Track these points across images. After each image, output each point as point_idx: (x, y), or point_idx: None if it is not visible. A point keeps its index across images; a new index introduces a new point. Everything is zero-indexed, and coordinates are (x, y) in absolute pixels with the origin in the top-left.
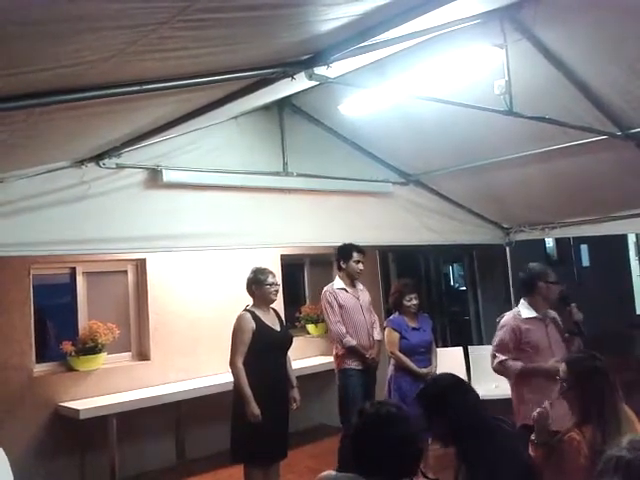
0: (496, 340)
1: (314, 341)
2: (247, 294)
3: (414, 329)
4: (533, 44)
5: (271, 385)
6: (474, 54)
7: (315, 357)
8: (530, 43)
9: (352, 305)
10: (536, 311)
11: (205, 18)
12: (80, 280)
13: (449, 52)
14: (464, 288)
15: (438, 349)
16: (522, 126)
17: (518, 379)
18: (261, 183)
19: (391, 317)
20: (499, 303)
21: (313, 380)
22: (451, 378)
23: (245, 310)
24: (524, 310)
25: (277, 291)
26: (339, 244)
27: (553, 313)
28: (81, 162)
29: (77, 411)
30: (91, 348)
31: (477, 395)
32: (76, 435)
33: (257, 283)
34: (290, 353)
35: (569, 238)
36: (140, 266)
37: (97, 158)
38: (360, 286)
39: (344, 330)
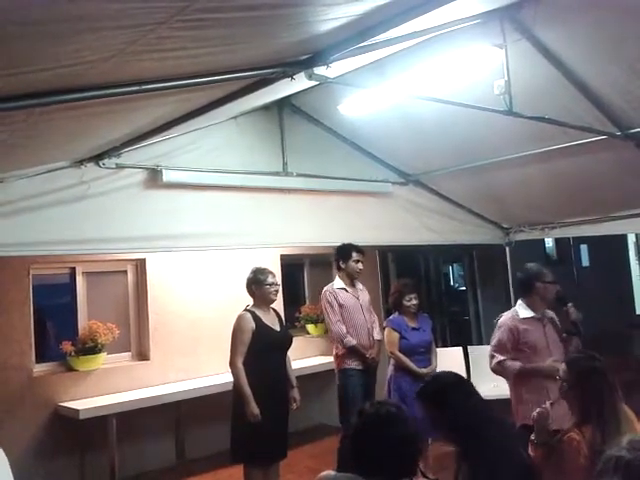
0: (494, 340)
1: (314, 341)
2: (247, 294)
3: (414, 329)
4: (533, 44)
5: (271, 385)
6: (474, 54)
7: (315, 357)
8: (530, 43)
9: (352, 305)
10: (534, 311)
11: (204, 18)
12: (80, 280)
13: (449, 52)
14: (464, 288)
15: (438, 349)
16: (522, 126)
17: (517, 379)
18: (261, 183)
19: (391, 317)
20: (499, 303)
21: (313, 380)
22: (452, 376)
23: (245, 310)
24: (522, 310)
25: (277, 291)
26: (339, 244)
27: (551, 313)
28: (81, 162)
29: (77, 411)
30: (91, 348)
31: (478, 394)
32: (76, 435)
33: (257, 283)
34: (290, 353)
35: (569, 238)
36: (140, 266)
37: (97, 158)
38: (360, 286)
39: (344, 330)
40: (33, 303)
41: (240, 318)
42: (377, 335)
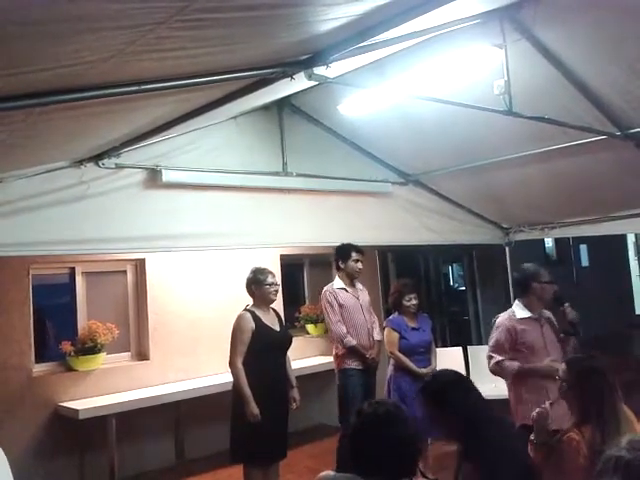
0: (492, 341)
1: (313, 341)
2: (247, 294)
3: (414, 329)
4: (533, 44)
5: (270, 385)
6: (473, 54)
7: (315, 357)
8: (530, 43)
9: (352, 305)
10: (531, 311)
11: (203, 18)
12: (79, 280)
13: (448, 52)
14: (463, 288)
15: (437, 349)
16: (522, 126)
17: (515, 379)
18: (260, 183)
19: (391, 317)
20: (499, 303)
21: (313, 380)
22: (452, 374)
23: (245, 310)
24: (519, 311)
25: (277, 291)
26: (338, 244)
27: (548, 313)
28: (80, 162)
29: (76, 411)
30: (90, 348)
31: (479, 393)
32: (75, 435)
33: (257, 283)
34: (289, 353)
35: (568, 238)
36: (139, 266)
37: (96, 158)
38: (360, 286)
39: (345, 330)
40: (33, 303)
41: (240, 318)
42: (377, 335)
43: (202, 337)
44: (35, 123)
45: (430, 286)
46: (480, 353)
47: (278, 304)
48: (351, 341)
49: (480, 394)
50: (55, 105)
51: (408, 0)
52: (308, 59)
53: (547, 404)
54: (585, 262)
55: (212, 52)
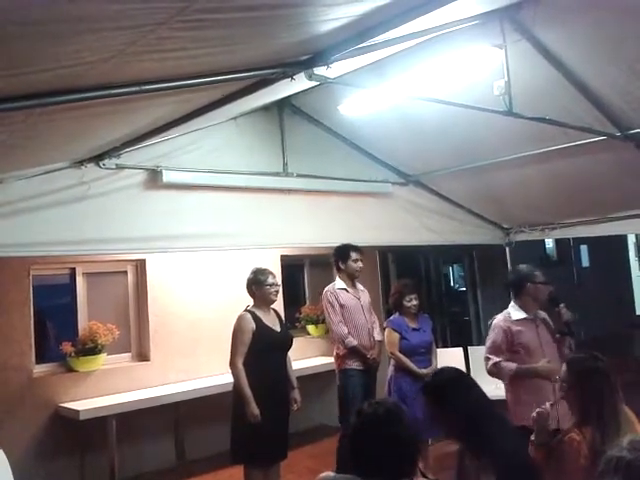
0: (488, 342)
1: (314, 341)
2: (247, 295)
3: (414, 330)
4: (533, 45)
5: (271, 386)
6: (473, 55)
7: (315, 357)
8: (530, 44)
9: (353, 305)
10: (526, 312)
11: (203, 19)
12: (80, 281)
13: (448, 53)
14: (464, 289)
15: (438, 350)
16: (522, 127)
17: (513, 380)
18: (261, 184)
19: (391, 317)
20: (499, 304)
21: (313, 381)
22: (453, 372)
23: (245, 310)
24: (514, 312)
25: (277, 291)
26: (338, 244)
27: (543, 314)
28: (80, 163)
29: (77, 412)
30: (91, 349)
31: (480, 390)
32: (76, 436)
33: (257, 284)
34: (290, 354)
35: (569, 239)
36: (140, 267)
37: (97, 159)
38: (360, 287)
39: (346, 330)
40: (33, 304)
41: (240, 318)
42: (378, 336)
43: (202, 338)
44: (35, 124)
45: (431, 286)
46: (481, 354)
47: (279, 305)
48: (352, 341)
49: (482, 391)
50: (55, 106)
51: (408, 1)
52: (308, 59)
53: (547, 404)
54: (586, 263)
55: (213, 53)
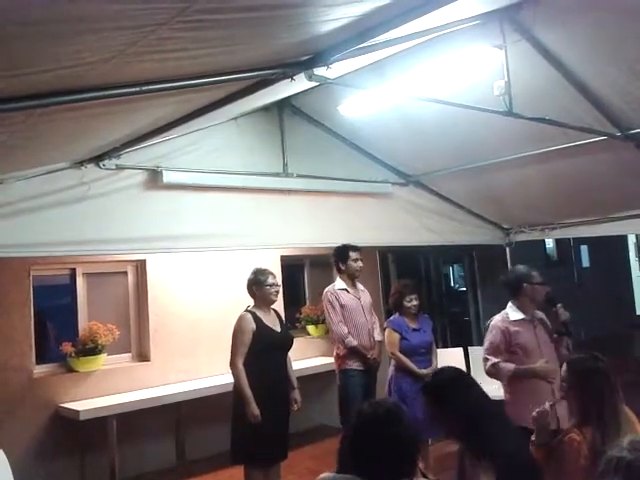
0: (487, 343)
1: (314, 342)
2: (247, 295)
3: (414, 330)
4: (533, 45)
5: (271, 386)
6: (474, 55)
7: (315, 358)
8: (530, 44)
9: (353, 306)
10: (523, 313)
11: (204, 19)
12: (80, 281)
13: (449, 53)
14: (464, 289)
15: (438, 350)
16: (522, 127)
17: (512, 381)
18: (261, 184)
19: (391, 318)
20: (499, 304)
21: (313, 381)
22: (453, 371)
23: (245, 311)
24: (512, 312)
25: (277, 292)
26: (338, 245)
27: (540, 314)
28: (81, 163)
29: (77, 412)
30: (91, 349)
31: (480, 389)
32: (76, 436)
33: (257, 284)
34: (290, 354)
35: (569, 239)
36: (140, 267)
37: (97, 159)
38: (361, 287)
39: (346, 331)
40: (33, 304)
41: (241, 319)
42: (378, 336)
43: (203, 338)
44: (36, 124)
45: (431, 287)
46: (481, 354)
47: (279, 305)
48: (352, 341)
49: (482, 390)
50: (56, 106)
51: (408, 1)
52: (308, 60)
53: (547, 404)
54: (586, 263)
55: (213, 53)
